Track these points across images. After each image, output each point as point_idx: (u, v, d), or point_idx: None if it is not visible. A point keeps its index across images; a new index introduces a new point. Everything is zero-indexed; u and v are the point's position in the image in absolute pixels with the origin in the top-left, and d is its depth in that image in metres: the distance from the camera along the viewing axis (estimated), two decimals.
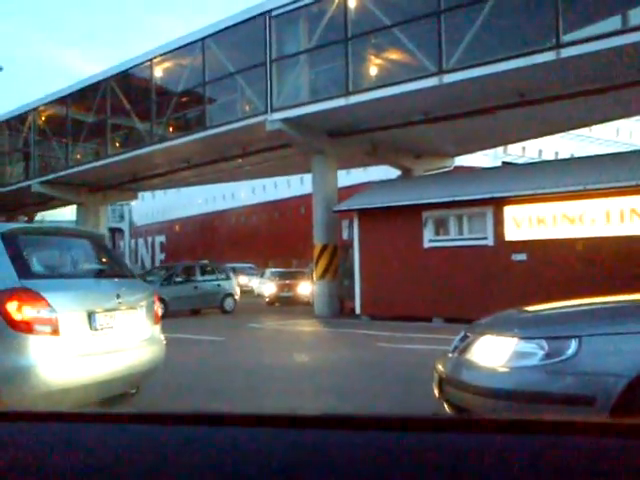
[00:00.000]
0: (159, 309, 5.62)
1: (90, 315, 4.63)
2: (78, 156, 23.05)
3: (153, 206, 59.27)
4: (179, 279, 17.92)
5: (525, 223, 13.04)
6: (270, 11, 15.96)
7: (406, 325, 13.26)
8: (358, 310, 15.40)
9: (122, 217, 58.90)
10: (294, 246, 37.89)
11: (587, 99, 13.91)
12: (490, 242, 13.53)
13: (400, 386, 6.46)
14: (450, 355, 3.98)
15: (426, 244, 14.47)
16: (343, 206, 16.06)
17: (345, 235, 16.28)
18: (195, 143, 18.55)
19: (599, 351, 3.14)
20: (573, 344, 3.11)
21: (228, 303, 18.74)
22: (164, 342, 5.40)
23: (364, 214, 15.29)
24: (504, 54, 12.60)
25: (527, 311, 4.05)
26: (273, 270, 27.96)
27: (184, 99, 19.20)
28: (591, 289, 10.95)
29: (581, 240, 12.14)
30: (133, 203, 56.02)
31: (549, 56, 11.99)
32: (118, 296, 4.95)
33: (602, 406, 2.99)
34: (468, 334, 3.88)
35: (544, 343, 3.19)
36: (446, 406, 3.86)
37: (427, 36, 13.69)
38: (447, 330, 11.97)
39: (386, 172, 24.17)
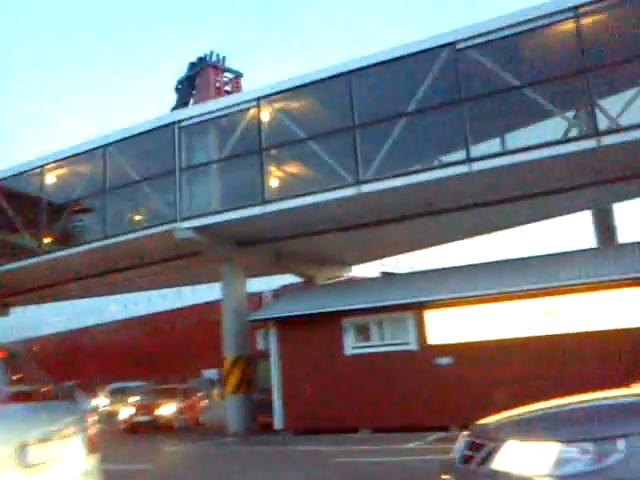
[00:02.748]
0: (95, 434, 4.79)
1: (21, 448, 3.75)
2: None
3: (6, 324, 54.00)
4: None
5: (447, 327, 13.37)
6: (180, 121, 15.91)
7: (339, 438, 12.71)
8: (280, 425, 14.58)
9: None
10: (175, 361, 36.00)
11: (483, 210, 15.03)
12: (414, 347, 13.65)
13: None
14: (460, 466, 3.58)
15: (348, 351, 14.28)
16: (259, 315, 15.59)
17: (261, 345, 15.67)
18: (88, 254, 17.41)
19: None
20: (621, 445, 2.88)
21: None
22: (100, 476, 4.54)
23: (282, 323, 14.90)
24: (419, 166, 13.41)
25: (543, 409, 3.77)
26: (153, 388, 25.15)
27: (78, 208, 18.16)
28: (521, 388, 11.33)
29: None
30: None
31: (461, 169, 12.90)
32: (52, 423, 4.16)
33: None
34: (481, 442, 3.51)
35: (589, 446, 2.93)
36: None
37: (343, 147, 14.24)
38: (384, 440, 11.68)
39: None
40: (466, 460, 3.52)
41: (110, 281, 20.12)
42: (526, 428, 3.46)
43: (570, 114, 13.32)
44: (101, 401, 29.39)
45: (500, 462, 3.20)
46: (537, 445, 3.10)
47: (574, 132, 12.71)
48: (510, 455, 3.17)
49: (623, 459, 2.85)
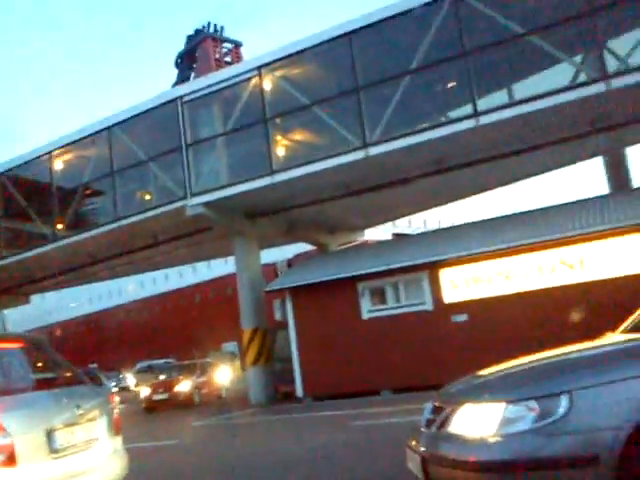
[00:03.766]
0: (119, 415, 4.89)
1: (49, 434, 3.92)
2: None
3: (28, 311, 54.76)
4: None
5: (462, 284, 13.32)
6: (182, 97, 15.77)
7: (359, 401, 12.80)
8: (301, 393, 14.74)
9: None
10: (197, 336, 36.41)
11: (493, 164, 14.82)
12: (429, 306, 13.65)
13: None
14: (424, 430, 3.62)
15: (365, 315, 14.33)
16: (275, 285, 15.63)
17: (278, 316, 15.75)
18: (101, 237, 17.51)
19: (592, 404, 2.91)
20: (564, 401, 2.92)
21: None
22: (126, 455, 4.69)
23: (298, 291, 14.93)
24: (426, 124, 13.22)
25: (499, 371, 3.74)
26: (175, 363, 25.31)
27: (88, 192, 18.22)
28: (538, 341, 11.30)
29: None
30: (5, 311, 51.55)
31: (469, 124, 12.69)
32: (78, 407, 4.26)
33: (607, 464, 2.79)
34: (442, 405, 3.57)
35: (533, 404, 2.97)
36: None
37: (348, 111, 14.05)
38: (404, 400, 11.71)
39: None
40: (429, 424, 3.58)
41: (128, 261, 20.26)
42: (479, 390, 3.51)
43: (577, 59, 13.02)
44: (131, 381, 29.75)
45: (455, 425, 3.27)
46: (487, 407, 3.16)
47: (582, 77, 12.44)
48: (464, 418, 3.24)
49: (565, 415, 2.88)
